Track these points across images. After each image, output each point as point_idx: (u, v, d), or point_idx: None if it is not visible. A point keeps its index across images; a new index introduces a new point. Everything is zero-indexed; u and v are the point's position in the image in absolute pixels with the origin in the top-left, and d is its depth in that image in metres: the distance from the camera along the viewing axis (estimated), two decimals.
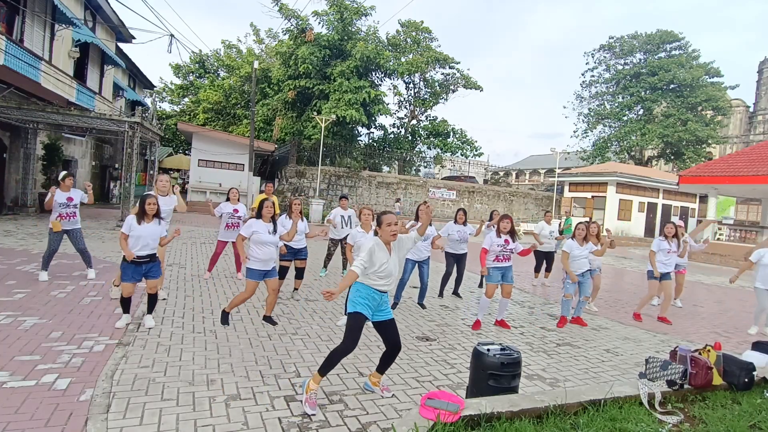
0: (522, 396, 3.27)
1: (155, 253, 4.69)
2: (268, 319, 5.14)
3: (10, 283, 5.91)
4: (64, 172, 6.45)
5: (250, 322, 5.15)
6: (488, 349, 3.31)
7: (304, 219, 6.32)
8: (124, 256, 4.52)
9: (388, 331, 3.48)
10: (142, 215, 4.59)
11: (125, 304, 4.66)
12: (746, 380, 3.84)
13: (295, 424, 3.01)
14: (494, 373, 3.20)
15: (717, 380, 3.83)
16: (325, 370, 3.27)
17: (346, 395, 3.51)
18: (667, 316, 6.86)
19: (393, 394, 3.57)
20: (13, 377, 3.37)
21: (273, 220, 5.01)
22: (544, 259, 9.01)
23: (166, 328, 4.74)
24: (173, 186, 6.07)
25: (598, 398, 3.30)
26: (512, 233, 5.68)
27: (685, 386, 3.70)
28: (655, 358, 3.89)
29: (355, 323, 3.33)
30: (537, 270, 9.25)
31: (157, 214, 4.70)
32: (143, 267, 4.58)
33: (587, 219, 16.82)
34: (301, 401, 3.24)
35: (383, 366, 3.55)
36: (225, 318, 4.97)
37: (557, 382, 4.14)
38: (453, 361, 4.46)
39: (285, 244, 6.02)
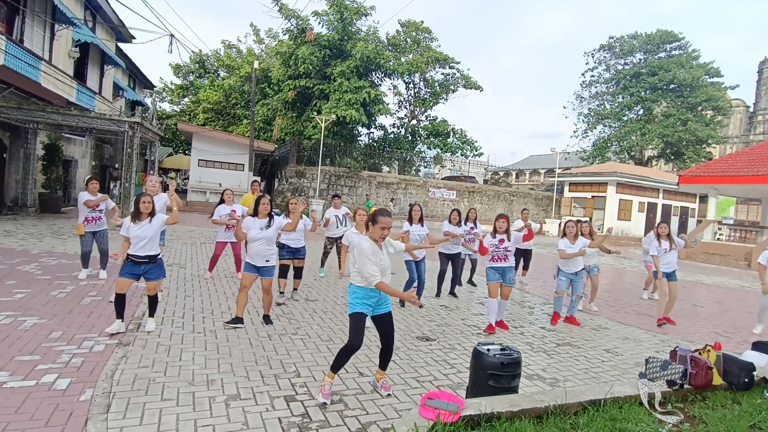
0: (522, 396, 3.27)
1: (156, 255, 4.67)
2: (266, 318, 5.18)
3: (10, 283, 5.91)
4: (88, 176, 6.57)
5: (250, 322, 5.15)
6: (488, 349, 3.31)
7: (304, 217, 6.36)
8: (126, 255, 4.55)
9: (384, 323, 3.59)
10: (137, 215, 4.61)
11: (119, 305, 4.47)
12: (746, 380, 3.84)
13: (295, 424, 3.01)
14: (494, 373, 3.20)
15: (717, 380, 3.83)
16: (335, 368, 3.44)
17: (346, 395, 3.51)
18: (670, 316, 6.85)
19: (390, 394, 3.57)
20: (13, 377, 3.37)
21: (270, 215, 5.02)
22: (521, 257, 8.84)
23: (166, 328, 4.74)
24: (171, 185, 6.09)
25: (598, 398, 3.30)
26: (508, 233, 5.68)
27: (685, 386, 3.70)
28: (655, 358, 3.89)
29: (356, 323, 3.44)
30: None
31: (152, 213, 4.68)
32: (141, 267, 4.56)
33: (586, 218, 16.80)
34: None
35: (383, 362, 3.65)
36: (236, 321, 4.96)
37: (557, 382, 4.14)
38: (453, 361, 4.46)
39: (283, 243, 6.18)
